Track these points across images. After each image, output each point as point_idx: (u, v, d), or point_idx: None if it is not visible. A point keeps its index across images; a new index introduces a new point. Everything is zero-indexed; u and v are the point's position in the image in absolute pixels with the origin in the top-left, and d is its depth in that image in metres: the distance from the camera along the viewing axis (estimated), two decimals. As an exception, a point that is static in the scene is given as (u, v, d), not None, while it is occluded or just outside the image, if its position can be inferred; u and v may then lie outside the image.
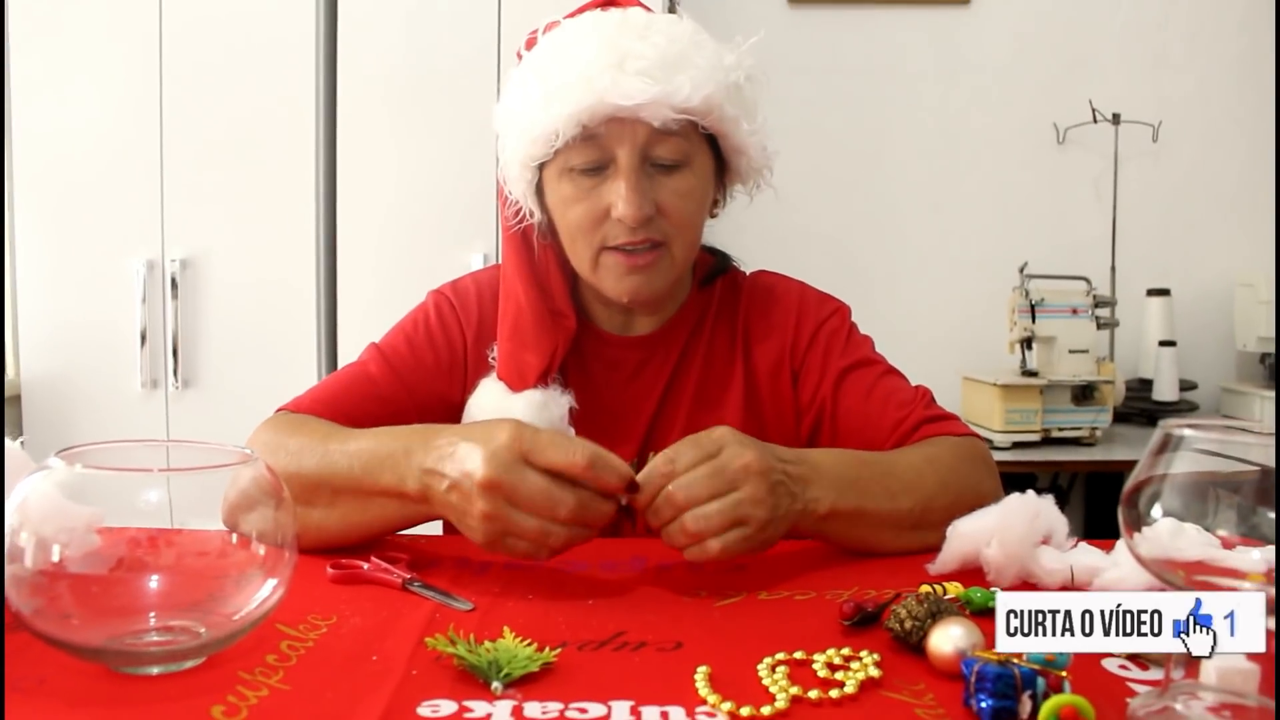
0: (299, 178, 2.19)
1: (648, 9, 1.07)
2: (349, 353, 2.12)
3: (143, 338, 2.18)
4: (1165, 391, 2.50)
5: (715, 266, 1.19)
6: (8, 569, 0.58)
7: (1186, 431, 0.51)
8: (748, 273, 1.22)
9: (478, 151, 2.16)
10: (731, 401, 1.12)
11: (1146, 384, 2.57)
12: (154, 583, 0.63)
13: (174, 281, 2.17)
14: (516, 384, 1.07)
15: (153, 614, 0.62)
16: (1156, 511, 0.51)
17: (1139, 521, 0.52)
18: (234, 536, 0.63)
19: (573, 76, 0.96)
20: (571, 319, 1.10)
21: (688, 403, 1.12)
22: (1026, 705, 0.54)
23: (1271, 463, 0.54)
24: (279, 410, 1.04)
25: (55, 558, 0.59)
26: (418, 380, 1.09)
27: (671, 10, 2.31)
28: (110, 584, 0.62)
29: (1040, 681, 0.55)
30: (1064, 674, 0.56)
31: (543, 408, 1.05)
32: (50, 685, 0.59)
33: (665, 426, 1.12)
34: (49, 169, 2.18)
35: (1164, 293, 2.62)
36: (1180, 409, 2.51)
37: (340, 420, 1.01)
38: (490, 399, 1.07)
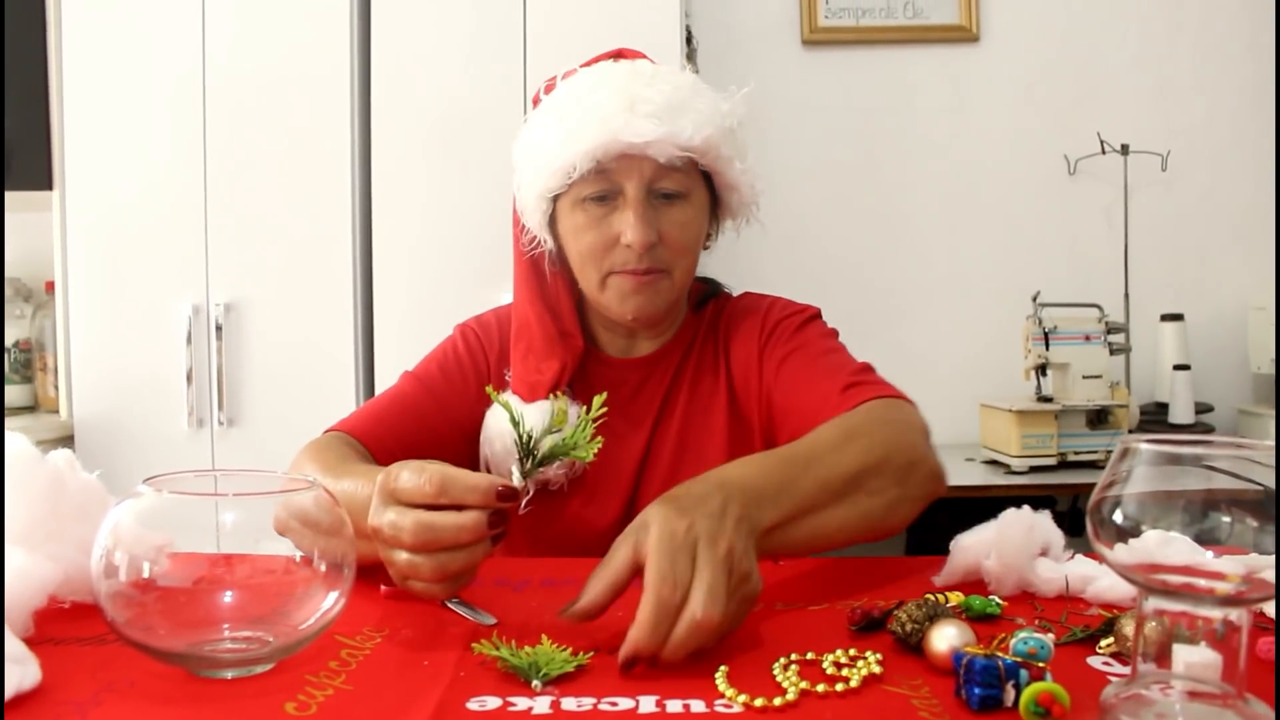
0: (335, 225, 2.29)
1: (652, 61, 1.19)
2: (384, 388, 2.20)
3: (189, 379, 2.27)
4: (1180, 414, 2.54)
5: (706, 292, 1.29)
6: (105, 584, 0.66)
7: (1142, 445, 0.57)
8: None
9: (504, 196, 2.23)
10: (717, 412, 1.21)
11: (1163, 407, 2.60)
12: (228, 597, 0.70)
13: (218, 325, 2.27)
14: (528, 396, 1.17)
15: (226, 625, 0.69)
16: (1118, 517, 0.57)
17: (1105, 526, 0.58)
18: (298, 555, 0.71)
19: (589, 118, 1.08)
20: (579, 339, 1.21)
21: (679, 417, 1.21)
22: (1010, 694, 0.60)
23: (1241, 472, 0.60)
24: (325, 431, 1.13)
25: (145, 574, 0.67)
26: (450, 400, 1.20)
27: (689, 56, 2.40)
28: (191, 598, 0.69)
29: (1023, 673, 0.61)
30: (1045, 666, 0.62)
31: (551, 415, 1.12)
32: (140, 687, 0.65)
33: (661, 440, 1.21)
34: (100, 221, 2.29)
35: (1177, 318, 2.66)
36: (1195, 431, 2.55)
37: (382, 436, 1.12)
38: (503, 410, 1.16)
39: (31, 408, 2.52)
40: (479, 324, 1.28)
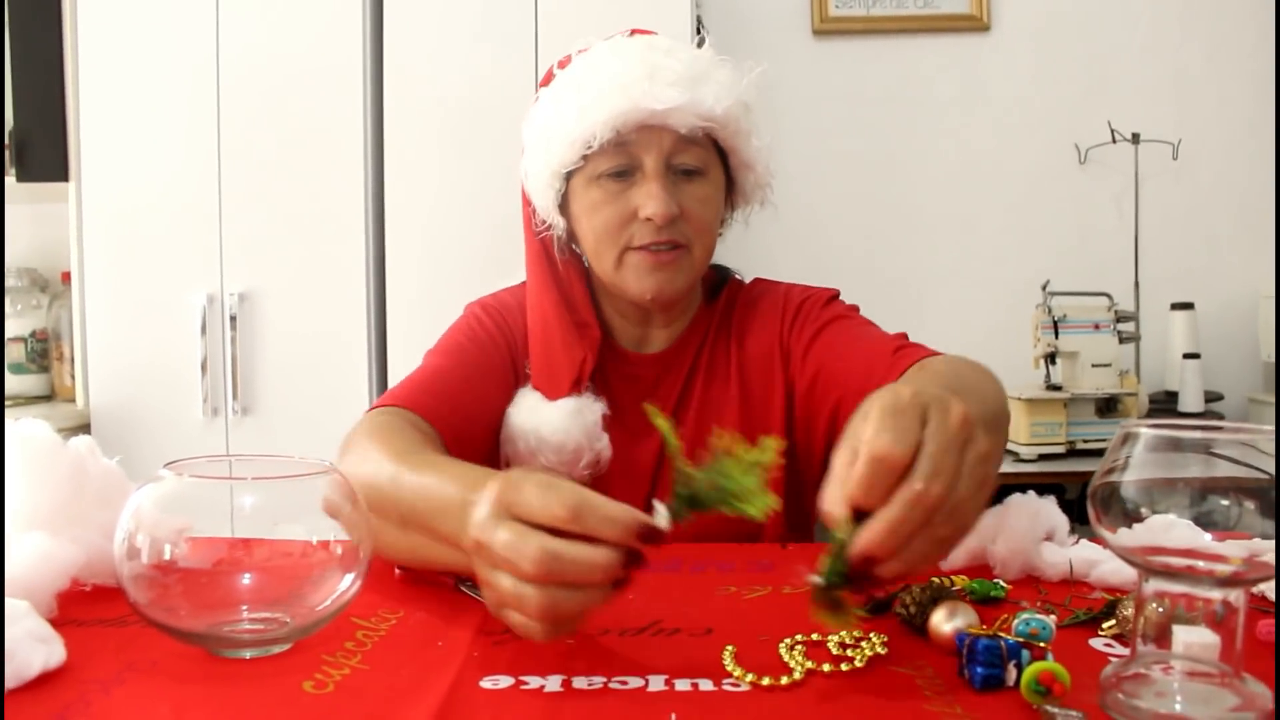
0: (348, 215, 2.30)
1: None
2: (398, 377, 2.22)
3: (204, 368, 2.29)
4: (1190, 403, 2.54)
5: (717, 280, 1.28)
6: (127, 566, 0.68)
7: (1143, 430, 0.58)
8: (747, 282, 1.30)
9: (517, 187, 2.25)
10: (729, 411, 1.18)
11: (1173, 396, 2.60)
12: (246, 580, 0.72)
13: (232, 315, 2.29)
14: (550, 394, 1.14)
15: (245, 606, 0.71)
16: (1118, 501, 0.58)
17: (1105, 510, 0.59)
18: (314, 539, 0.72)
19: (609, 85, 1.07)
20: (596, 329, 1.18)
21: (693, 417, 1.19)
22: (1012, 673, 0.61)
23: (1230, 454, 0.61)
24: (375, 406, 1.06)
25: (167, 557, 0.68)
26: (489, 372, 1.16)
27: (700, 45, 2.40)
28: (210, 580, 0.71)
29: (1025, 653, 0.62)
30: (1046, 647, 0.63)
31: (576, 414, 1.12)
32: (161, 666, 0.67)
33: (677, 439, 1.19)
34: (115, 212, 2.31)
35: (1188, 306, 2.66)
36: (1205, 420, 2.55)
37: (438, 410, 1.05)
38: (527, 409, 1.15)
39: (48, 397, 2.55)
40: (497, 302, 1.25)
